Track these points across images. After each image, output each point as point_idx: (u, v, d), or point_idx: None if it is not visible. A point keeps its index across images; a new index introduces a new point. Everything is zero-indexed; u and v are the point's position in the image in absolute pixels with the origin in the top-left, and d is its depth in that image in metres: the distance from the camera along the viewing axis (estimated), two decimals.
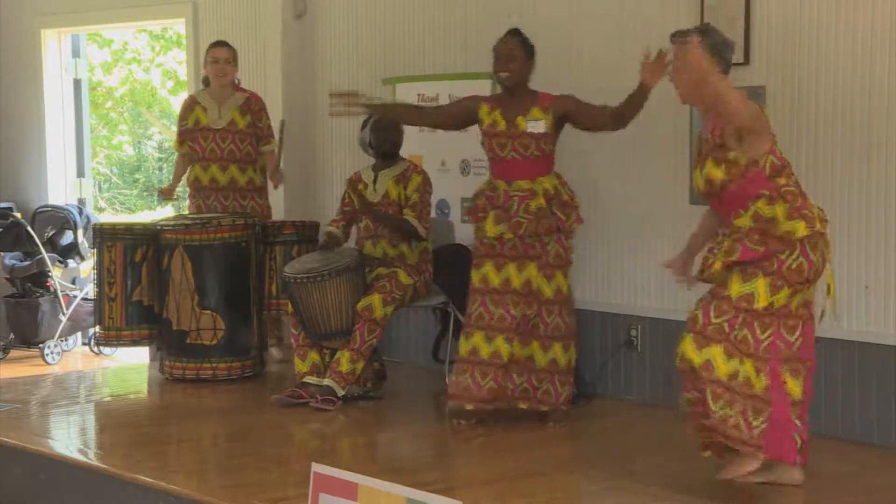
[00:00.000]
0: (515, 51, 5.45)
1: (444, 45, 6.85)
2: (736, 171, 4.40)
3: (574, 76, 5.93)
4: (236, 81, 7.01)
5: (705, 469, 4.90)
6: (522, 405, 5.54)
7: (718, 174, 4.42)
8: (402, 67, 7.07)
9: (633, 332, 6.05)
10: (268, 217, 7.02)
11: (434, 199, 6.35)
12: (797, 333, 4.47)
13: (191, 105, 6.99)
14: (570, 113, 5.46)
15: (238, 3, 7.89)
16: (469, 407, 5.50)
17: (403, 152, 6.38)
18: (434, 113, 5.86)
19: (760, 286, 4.36)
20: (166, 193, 7.17)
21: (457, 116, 5.70)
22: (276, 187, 7.09)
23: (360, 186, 6.27)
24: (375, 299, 5.91)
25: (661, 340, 5.96)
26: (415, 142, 6.82)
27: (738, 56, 5.52)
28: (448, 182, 6.76)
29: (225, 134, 6.87)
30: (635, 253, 6.01)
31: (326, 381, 5.93)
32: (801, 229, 4.35)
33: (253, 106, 6.94)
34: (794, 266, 4.37)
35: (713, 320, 4.36)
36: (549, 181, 5.47)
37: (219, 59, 6.90)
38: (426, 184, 6.18)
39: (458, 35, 6.78)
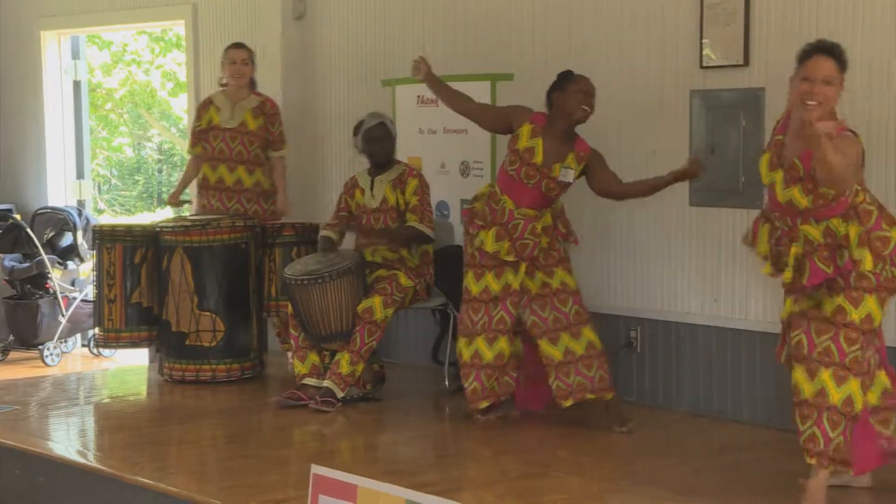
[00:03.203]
0: (595, 92, 5.46)
1: (444, 47, 6.84)
2: (822, 201, 4.30)
3: None
4: (254, 84, 6.97)
5: (706, 471, 4.91)
6: (566, 403, 5.48)
7: (804, 202, 4.31)
8: (402, 69, 7.06)
9: (633, 334, 6.05)
10: (274, 220, 6.98)
11: (434, 201, 6.34)
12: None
13: (206, 105, 6.98)
14: (592, 167, 5.50)
15: (237, 5, 7.88)
16: (484, 404, 5.57)
17: (404, 154, 6.37)
18: (477, 111, 5.77)
19: (872, 305, 4.31)
20: (171, 200, 7.16)
21: (498, 121, 5.68)
22: (282, 212, 7.01)
23: (358, 192, 6.26)
24: (376, 301, 5.91)
25: (661, 342, 5.96)
26: (414, 143, 6.82)
27: (737, 57, 5.54)
28: (448, 184, 6.75)
29: (235, 134, 6.85)
30: (635, 255, 6.01)
31: (326, 383, 5.93)
32: (868, 263, 4.27)
33: (267, 110, 6.92)
34: (890, 276, 4.32)
35: (847, 351, 4.29)
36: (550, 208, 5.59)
37: (236, 60, 6.89)
38: (423, 186, 6.17)
39: (458, 36, 6.77)
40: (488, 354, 5.54)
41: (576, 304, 5.53)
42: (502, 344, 5.54)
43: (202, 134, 6.93)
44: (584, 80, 5.45)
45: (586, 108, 5.41)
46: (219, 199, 6.87)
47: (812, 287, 4.37)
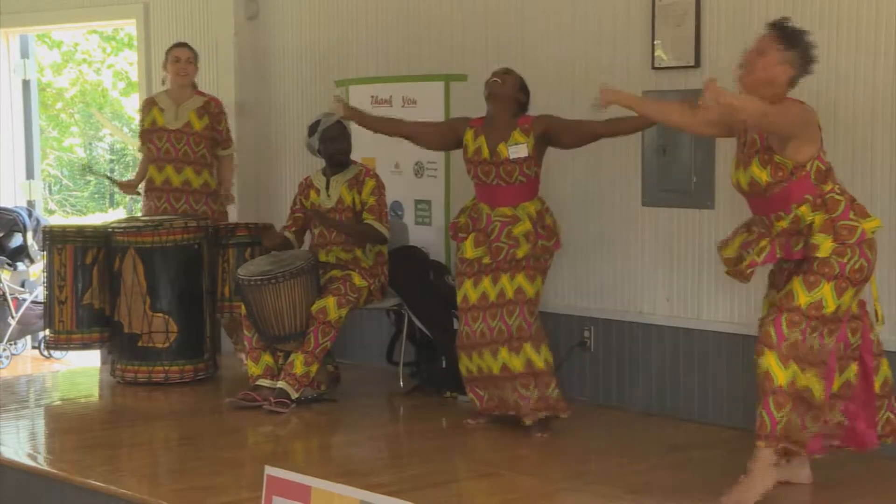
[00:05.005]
0: (509, 89, 5.46)
1: (398, 48, 6.85)
2: (782, 174, 4.33)
3: (527, 78, 5.94)
4: (195, 84, 6.97)
5: (657, 469, 4.95)
6: (527, 421, 5.40)
7: (763, 176, 4.34)
8: (356, 69, 7.07)
9: (587, 334, 6.08)
10: (222, 221, 6.97)
11: (388, 202, 6.34)
12: (858, 335, 4.47)
13: (148, 106, 6.97)
14: (549, 131, 5.44)
15: (189, 5, 7.84)
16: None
17: (358, 155, 6.37)
18: (416, 126, 5.79)
19: (826, 292, 4.30)
20: (126, 186, 7.18)
21: (441, 133, 5.70)
22: (227, 206, 7.02)
23: (313, 193, 6.24)
24: (330, 302, 5.90)
25: (615, 342, 6.00)
26: (368, 144, 6.81)
27: (688, 59, 5.59)
28: (402, 184, 6.75)
29: (180, 135, 6.84)
30: (588, 254, 6.04)
31: (280, 384, 5.91)
32: (825, 250, 4.30)
33: (212, 109, 6.91)
34: (856, 266, 4.31)
35: (786, 334, 4.29)
36: (532, 206, 5.47)
37: (180, 58, 6.87)
38: (380, 186, 6.18)
39: (411, 37, 6.78)
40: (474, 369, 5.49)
41: (520, 317, 5.37)
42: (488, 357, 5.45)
43: (146, 134, 6.92)
44: (499, 72, 5.53)
45: (496, 80, 5.48)
46: (166, 200, 6.86)
47: (775, 263, 4.44)
